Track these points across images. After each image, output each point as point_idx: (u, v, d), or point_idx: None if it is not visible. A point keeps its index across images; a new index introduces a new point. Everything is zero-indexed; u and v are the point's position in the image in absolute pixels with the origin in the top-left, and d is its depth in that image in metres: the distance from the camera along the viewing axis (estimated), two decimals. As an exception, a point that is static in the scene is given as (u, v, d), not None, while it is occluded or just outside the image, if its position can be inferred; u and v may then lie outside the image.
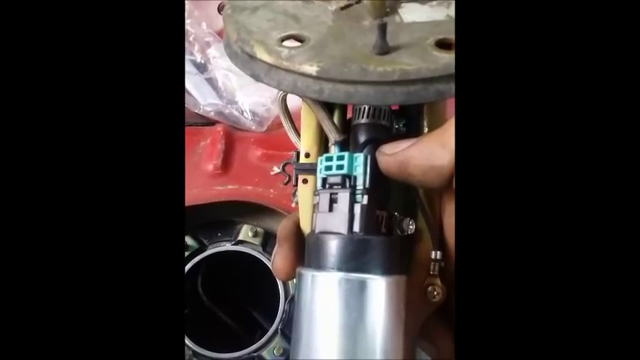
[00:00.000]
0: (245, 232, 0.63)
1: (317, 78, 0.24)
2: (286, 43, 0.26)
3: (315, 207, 0.28)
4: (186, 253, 0.61)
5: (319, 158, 0.29)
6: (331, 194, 0.27)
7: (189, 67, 0.66)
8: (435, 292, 0.31)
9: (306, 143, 0.34)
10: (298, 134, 0.35)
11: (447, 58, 0.23)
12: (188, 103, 0.66)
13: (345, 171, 0.27)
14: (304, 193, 0.34)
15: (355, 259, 0.26)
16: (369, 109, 0.30)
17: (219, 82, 0.65)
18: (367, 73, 0.23)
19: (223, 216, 0.64)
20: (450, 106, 0.33)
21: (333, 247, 0.26)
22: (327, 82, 0.24)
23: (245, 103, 0.65)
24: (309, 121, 0.33)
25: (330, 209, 0.27)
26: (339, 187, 0.27)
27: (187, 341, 0.58)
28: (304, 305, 0.26)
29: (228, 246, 0.62)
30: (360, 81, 0.23)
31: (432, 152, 0.25)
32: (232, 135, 0.66)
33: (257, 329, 0.69)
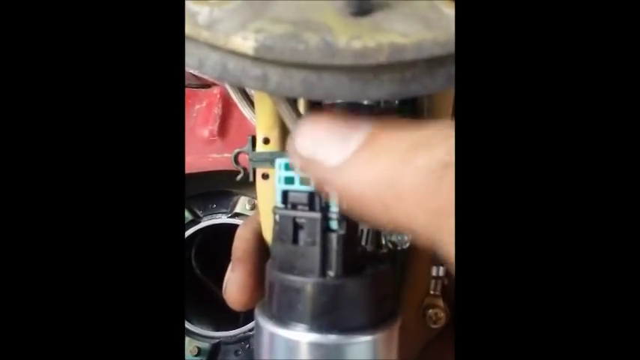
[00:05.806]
0: (242, 204, 0.59)
1: (256, 59, 0.15)
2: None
3: (274, 229, 0.20)
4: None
5: (277, 162, 0.21)
6: (295, 218, 0.19)
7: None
8: (437, 316, 0.25)
9: (263, 125, 0.26)
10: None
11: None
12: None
13: (312, 188, 0.19)
14: (265, 192, 0.26)
15: (330, 312, 0.18)
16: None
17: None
18: (335, 52, 0.14)
19: (219, 186, 0.60)
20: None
21: (299, 294, 0.19)
22: (274, 65, 0.15)
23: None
24: (265, 95, 0.24)
25: (295, 240, 0.19)
26: (306, 208, 0.19)
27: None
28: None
29: (224, 218, 0.59)
30: (326, 65, 0.14)
31: (392, 177, 0.14)
32: (230, 98, 0.59)
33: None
